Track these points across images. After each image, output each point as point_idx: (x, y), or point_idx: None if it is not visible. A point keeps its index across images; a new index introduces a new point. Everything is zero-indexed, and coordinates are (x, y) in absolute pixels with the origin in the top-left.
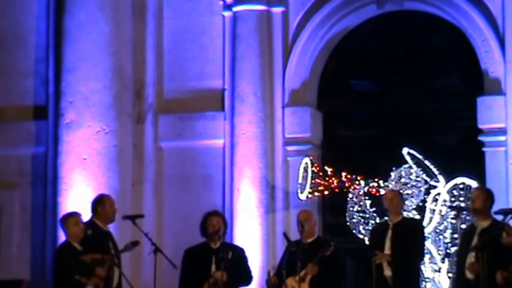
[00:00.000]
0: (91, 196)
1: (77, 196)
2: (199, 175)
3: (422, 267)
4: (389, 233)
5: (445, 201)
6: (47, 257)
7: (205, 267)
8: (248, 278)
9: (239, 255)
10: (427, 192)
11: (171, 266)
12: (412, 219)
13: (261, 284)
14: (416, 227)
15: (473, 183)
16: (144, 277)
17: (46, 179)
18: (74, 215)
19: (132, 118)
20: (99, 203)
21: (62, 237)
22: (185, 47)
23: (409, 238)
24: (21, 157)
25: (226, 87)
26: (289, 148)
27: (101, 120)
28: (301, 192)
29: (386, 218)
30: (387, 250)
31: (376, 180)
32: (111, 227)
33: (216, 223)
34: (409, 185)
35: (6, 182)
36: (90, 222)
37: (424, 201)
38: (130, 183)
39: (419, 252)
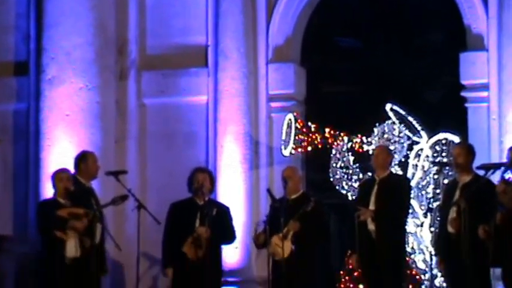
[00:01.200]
0: (74, 152)
1: (60, 152)
2: (182, 132)
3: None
4: (375, 188)
5: (427, 156)
6: (30, 213)
7: (189, 222)
8: (231, 237)
9: (224, 213)
10: (410, 148)
11: (155, 222)
12: (400, 175)
13: (245, 240)
14: (402, 183)
15: (456, 139)
16: (127, 233)
17: (28, 135)
18: (65, 171)
19: (114, 74)
20: (82, 160)
21: (44, 193)
22: (168, 2)
23: (394, 194)
24: (2, 113)
25: (209, 43)
26: (273, 104)
27: (83, 76)
28: (285, 148)
29: (369, 173)
30: (372, 205)
31: (359, 136)
32: (95, 184)
33: (201, 179)
34: (392, 141)
35: None
36: (73, 179)
37: (406, 157)
38: (113, 139)
39: (403, 208)
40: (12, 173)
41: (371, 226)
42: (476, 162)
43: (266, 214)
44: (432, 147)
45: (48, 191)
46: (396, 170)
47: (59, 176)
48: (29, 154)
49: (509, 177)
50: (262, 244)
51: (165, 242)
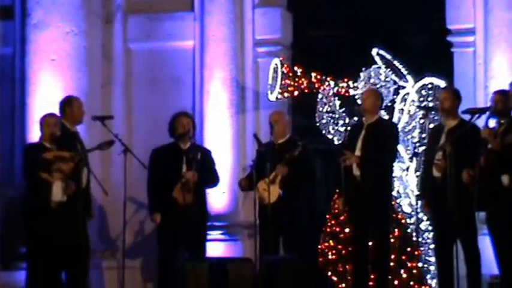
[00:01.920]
0: (59, 97)
1: (45, 97)
2: (168, 77)
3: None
4: (363, 132)
5: (413, 101)
6: (16, 157)
7: (176, 167)
8: (215, 180)
9: (206, 156)
10: (396, 93)
11: (141, 166)
12: (388, 120)
13: (231, 185)
14: (390, 128)
15: (442, 84)
16: (114, 177)
17: (14, 80)
18: (53, 116)
19: (101, 18)
20: (67, 104)
21: (30, 137)
22: None
23: (381, 139)
24: None
25: None
26: (259, 49)
27: (69, 20)
28: (271, 93)
29: (355, 118)
30: (358, 150)
31: (345, 80)
32: (81, 128)
33: (186, 123)
34: (378, 86)
35: None
36: (60, 124)
37: (393, 101)
38: (99, 84)
39: (390, 153)
40: None
41: (356, 171)
42: (462, 107)
43: (252, 159)
44: (418, 91)
45: (34, 135)
46: (383, 114)
47: (46, 120)
48: (15, 99)
49: (494, 126)
50: (247, 188)
51: (151, 187)
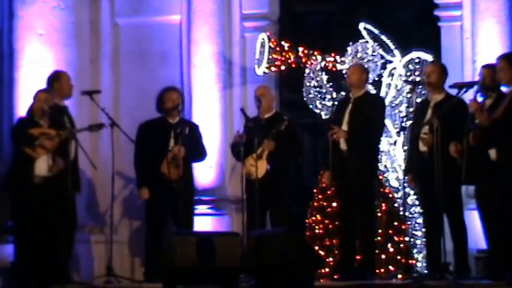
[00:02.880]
0: (47, 72)
1: (33, 72)
2: (156, 51)
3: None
4: (349, 107)
5: (400, 75)
6: (4, 132)
7: (163, 142)
8: (203, 154)
9: (194, 131)
10: (383, 67)
11: (129, 141)
12: (375, 95)
13: (219, 159)
14: (377, 102)
15: (429, 58)
16: (102, 152)
17: (2, 55)
18: (44, 92)
19: None
20: (55, 79)
21: (18, 113)
22: None
23: (368, 113)
24: None
25: None
26: (247, 24)
27: None
28: (258, 68)
29: (343, 93)
30: (345, 124)
31: (332, 55)
32: (70, 103)
33: (175, 98)
34: (365, 60)
35: None
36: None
37: (380, 76)
38: (88, 59)
39: (377, 128)
40: None
41: (343, 145)
42: (449, 82)
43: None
44: (405, 66)
45: (22, 111)
46: (370, 89)
47: (37, 96)
48: (3, 74)
49: (481, 101)
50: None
51: (138, 162)
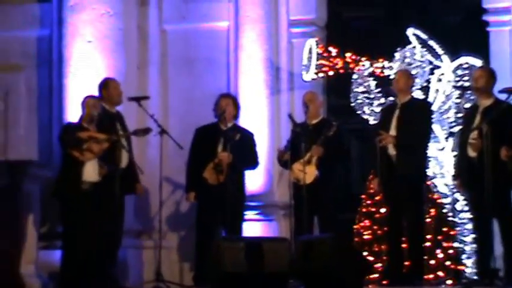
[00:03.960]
0: (96, 78)
1: (82, 78)
2: (203, 57)
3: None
4: (397, 112)
5: (449, 81)
6: (54, 138)
7: (212, 147)
8: (254, 162)
9: (247, 138)
10: (432, 73)
11: (177, 147)
12: (421, 100)
13: (267, 165)
14: (424, 107)
15: (478, 63)
16: (150, 158)
17: (51, 62)
18: (93, 98)
19: (136, 0)
20: (104, 87)
21: (67, 118)
22: None
23: (416, 118)
24: (26, 40)
25: None
26: (294, 30)
27: (106, 2)
28: (306, 74)
29: (391, 98)
30: (393, 130)
31: (380, 60)
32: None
33: (224, 104)
34: (413, 66)
35: (12, 65)
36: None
37: (428, 81)
38: (135, 65)
39: (424, 133)
40: (36, 99)
41: (391, 151)
42: (499, 87)
43: (288, 139)
44: (454, 71)
45: (71, 116)
46: (418, 94)
47: (86, 102)
48: (52, 80)
49: None
50: (286, 162)
51: (188, 166)
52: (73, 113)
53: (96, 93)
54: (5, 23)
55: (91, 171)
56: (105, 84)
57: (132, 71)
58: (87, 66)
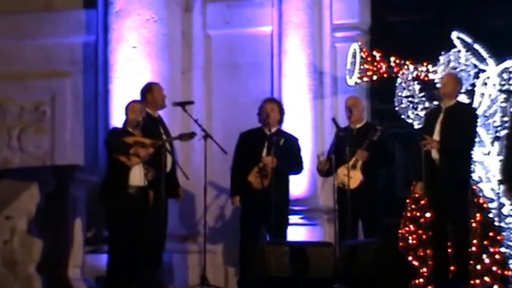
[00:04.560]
0: (141, 83)
1: (127, 84)
2: (247, 62)
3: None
4: (441, 117)
5: (494, 84)
6: (99, 143)
7: (257, 151)
8: (299, 167)
9: (292, 143)
10: (476, 76)
11: (221, 151)
12: (466, 104)
13: (311, 170)
14: (469, 112)
15: None
16: (194, 162)
17: (97, 67)
18: (138, 103)
19: (180, 6)
20: (148, 91)
21: (113, 124)
22: None
23: (460, 122)
24: (72, 46)
25: None
26: (338, 34)
27: (150, 8)
28: (350, 78)
29: (435, 102)
30: (437, 134)
31: (425, 64)
32: (162, 114)
33: (269, 109)
34: (458, 70)
35: (59, 71)
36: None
37: (473, 85)
38: (180, 70)
39: (468, 137)
40: (82, 105)
41: (435, 155)
42: None
43: (331, 143)
44: (499, 75)
45: (117, 121)
46: (463, 98)
47: (131, 107)
48: (98, 85)
49: None
50: (326, 171)
51: (233, 170)
52: (118, 117)
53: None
54: (52, 30)
55: (137, 176)
56: (149, 89)
57: (177, 76)
58: (132, 72)
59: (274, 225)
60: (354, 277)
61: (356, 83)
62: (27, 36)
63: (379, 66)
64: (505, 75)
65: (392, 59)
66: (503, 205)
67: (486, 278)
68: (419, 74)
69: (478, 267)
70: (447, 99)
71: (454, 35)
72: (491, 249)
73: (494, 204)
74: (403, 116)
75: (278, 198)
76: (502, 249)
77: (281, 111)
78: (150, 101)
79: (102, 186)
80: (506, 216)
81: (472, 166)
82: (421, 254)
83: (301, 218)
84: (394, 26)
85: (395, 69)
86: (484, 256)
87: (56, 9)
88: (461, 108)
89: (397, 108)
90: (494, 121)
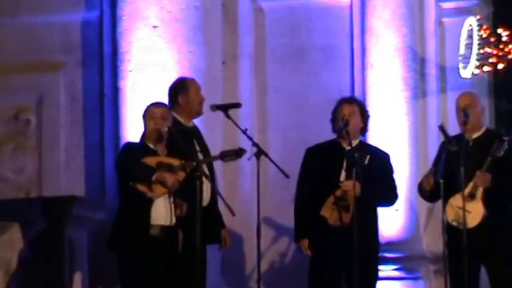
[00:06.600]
0: (165, 80)
1: (145, 80)
2: (316, 47)
3: None
4: None
5: None
6: (107, 166)
7: (332, 173)
8: (392, 196)
9: (381, 162)
10: None
11: (281, 175)
12: None
13: (409, 199)
14: None
15: None
16: (243, 192)
17: (102, 57)
18: (160, 106)
19: None
20: (181, 91)
21: (125, 137)
22: None
23: None
24: (66, 26)
25: None
26: (445, 5)
27: None
28: (464, 68)
29: None
30: None
31: None
32: (197, 122)
33: (348, 113)
34: None
35: (47, 62)
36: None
37: None
38: (220, 60)
39: None
40: (81, 110)
41: None
42: None
43: (434, 158)
44: None
45: (131, 134)
46: None
47: (151, 111)
48: (104, 83)
49: None
50: (433, 193)
51: (297, 202)
52: (133, 128)
53: (164, 99)
54: (38, 4)
55: (163, 212)
56: (181, 87)
57: (215, 67)
58: (151, 62)
59: (358, 279)
60: None
61: (473, 74)
62: (2, 13)
63: (506, 50)
64: None
65: None
66: None
67: None
68: None
69: None
70: None
71: None
72: None
73: None
74: None
75: (363, 240)
76: None
77: (364, 116)
78: (183, 104)
79: (112, 227)
80: None
81: None
82: None
83: (396, 269)
84: None
85: None
86: None
87: None
88: None
89: None
90: None
